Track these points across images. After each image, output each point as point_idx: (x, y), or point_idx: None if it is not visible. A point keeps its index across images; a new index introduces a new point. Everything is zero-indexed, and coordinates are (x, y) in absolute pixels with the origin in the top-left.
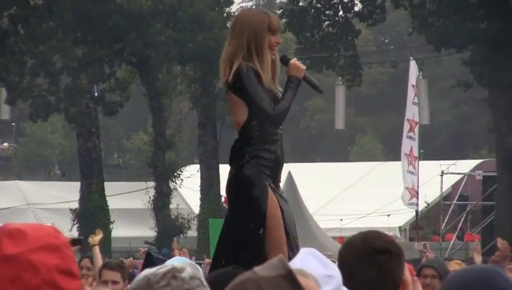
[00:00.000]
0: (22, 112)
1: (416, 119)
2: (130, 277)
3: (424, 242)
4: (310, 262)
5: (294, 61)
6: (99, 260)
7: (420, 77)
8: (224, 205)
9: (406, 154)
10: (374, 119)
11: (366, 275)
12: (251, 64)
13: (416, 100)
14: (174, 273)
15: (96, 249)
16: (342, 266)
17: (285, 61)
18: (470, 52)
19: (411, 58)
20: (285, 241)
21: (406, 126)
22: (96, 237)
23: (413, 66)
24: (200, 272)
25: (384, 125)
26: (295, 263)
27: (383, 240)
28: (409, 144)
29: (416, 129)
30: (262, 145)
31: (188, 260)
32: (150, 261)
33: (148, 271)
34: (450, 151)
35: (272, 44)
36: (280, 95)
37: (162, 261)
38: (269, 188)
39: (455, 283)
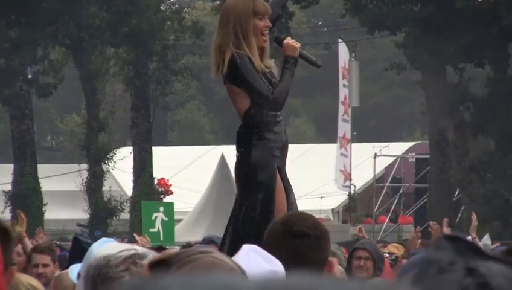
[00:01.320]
0: None
1: (348, 101)
2: (61, 260)
3: (359, 226)
4: (253, 259)
5: (288, 40)
6: (29, 246)
7: (352, 59)
8: (156, 187)
9: (339, 137)
10: (307, 101)
11: (285, 258)
12: (242, 52)
13: (345, 82)
14: (135, 259)
15: (25, 240)
16: (266, 248)
17: (279, 41)
18: (403, 34)
19: (340, 40)
20: None
21: (340, 109)
22: (22, 228)
23: (342, 49)
24: None
25: (318, 108)
26: (238, 260)
27: (303, 223)
28: (343, 127)
29: (349, 111)
30: (267, 128)
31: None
32: (78, 246)
33: (109, 251)
34: (383, 133)
35: (260, 28)
36: (272, 76)
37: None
38: (277, 172)
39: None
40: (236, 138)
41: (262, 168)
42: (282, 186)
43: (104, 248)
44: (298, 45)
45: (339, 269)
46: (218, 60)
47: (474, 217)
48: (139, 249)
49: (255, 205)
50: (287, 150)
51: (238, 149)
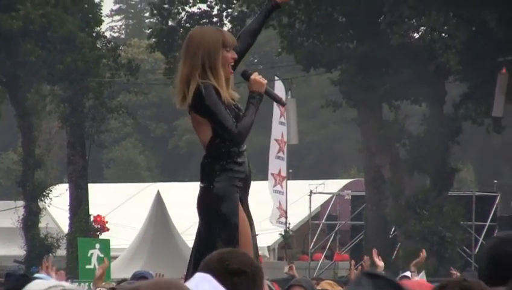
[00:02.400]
0: None
1: (285, 139)
2: None
3: (290, 264)
4: (204, 287)
5: (255, 76)
6: None
7: (289, 97)
8: (93, 224)
9: (272, 174)
10: None
11: None
12: (209, 82)
13: (283, 120)
14: None
15: None
16: None
17: (246, 76)
18: (339, 72)
19: (276, 78)
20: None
21: (274, 146)
22: None
23: (279, 86)
24: None
25: (252, 145)
26: (190, 287)
27: (239, 260)
28: (278, 164)
29: (285, 149)
30: (231, 159)
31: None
32: (10, 282)
33: (38, 288)
34: (319, 171)
35: (228, 60)
36: (238, 108)
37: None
38: (239, 204)
39: None
40: (200, 169)
41: (224, 199)
42: (246, 217)
43: (33, 284)
44: (265, 81)
45: None
46: (185, 90)
47: (423, 254)
48: (67, 285)
49: (219, 237)
50: (250, 182)
51: (201, 180)
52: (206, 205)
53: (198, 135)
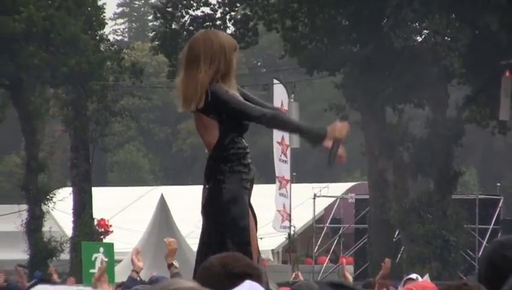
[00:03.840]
0: None
1: (287, 142)
2: None
3: (296, 272)
4: None
5: (345, 125)
6: None
7: (292, 100)
8: (96, 227)
9: (278, 177)
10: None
11: None
12: (219, 84)
13: None
14: None
15: None
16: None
17: (343, 117)
18: (342, 75)
19: (276, 81)
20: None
21: (277, 149)
22: None
23: (279, 89)
24: None
25: (256, 148)
26: None
27: (242, 264)
28: (281, 167)
29: (288, 152)
30: (239, 160)
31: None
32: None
33: None
34: (323, 174)
35: (235, 64)
36: None
37: None
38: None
39: None
40: (206, 171)
41: (235, 201)
42: (254, 221)
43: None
44: (343, 135)
45: None
46: (193, 94)
47: (387, 264)
48: None
49: (230, 239)
50: (253, 185)
51: (208, 182)
52: (216, 207)
53: (203, 137)
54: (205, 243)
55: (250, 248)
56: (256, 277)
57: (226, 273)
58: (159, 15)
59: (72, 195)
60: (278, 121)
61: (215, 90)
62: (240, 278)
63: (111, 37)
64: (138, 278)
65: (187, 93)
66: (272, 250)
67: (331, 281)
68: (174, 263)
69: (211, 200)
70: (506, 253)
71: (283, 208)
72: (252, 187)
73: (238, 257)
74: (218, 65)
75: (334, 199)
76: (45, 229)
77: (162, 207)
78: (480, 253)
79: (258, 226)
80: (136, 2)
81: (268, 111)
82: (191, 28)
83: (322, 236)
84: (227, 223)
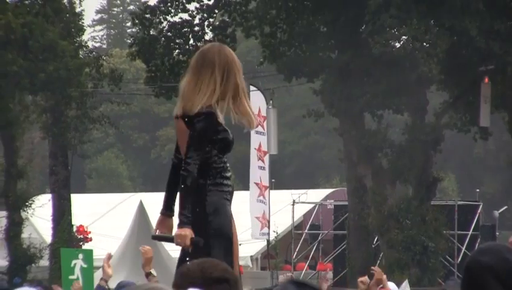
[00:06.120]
0: None
1: (264, 148)
2: None
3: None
4: None
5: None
6: None
7: (270, 107)
8: (75, 234)
9: (255, 183)
10: None
11: None
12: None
13: (261, 129)
14: None
15: None
16: None
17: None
18: (321, 81)
19: (253, 88)
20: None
21: (254, 156)
22: None
23: (258, 96)
24: None
25: (233, 154)
26: None
27: (219, 269)
28: (259, 174)
29: (266, 159)
30: (220, 173)
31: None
32: None
33: None
34: (301, 180)
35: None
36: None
37: None
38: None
39: None
40: (183, 180)
41: (219, 214)
42: (236, 233)
43: None
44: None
45: None
46: (200, 102)
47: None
48: None
49: (215, 249)
50: (233, 195)
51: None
52: (199, 218)
53: (181, 144)
54: (187, 252)
55: (233, 258)
56: (234, 282)
57: (206, 278)
58: (137, 21)
59: (51, 201)
60: (187, 183)
61: (208, 117)
62: (217, 283)
63: (90, 44)
64: (106, 287)
65: (189, 96)
66: (251, 256)
67: (295, 279)
68: (152, 271)
69: (193, 212)
70: (481, 258)
71: (262, 214)
72: (231, 197)
73: (215, 263)
74: (230, 80)
75: (313, 205)
76: (24, 235)
77: (141, 214)
78: (459, 259)
79: (237, 232)
80: (115, 9)
81: (194, 175)
82: (169, 34)
83: (300, 242)
84: (211, 233)
